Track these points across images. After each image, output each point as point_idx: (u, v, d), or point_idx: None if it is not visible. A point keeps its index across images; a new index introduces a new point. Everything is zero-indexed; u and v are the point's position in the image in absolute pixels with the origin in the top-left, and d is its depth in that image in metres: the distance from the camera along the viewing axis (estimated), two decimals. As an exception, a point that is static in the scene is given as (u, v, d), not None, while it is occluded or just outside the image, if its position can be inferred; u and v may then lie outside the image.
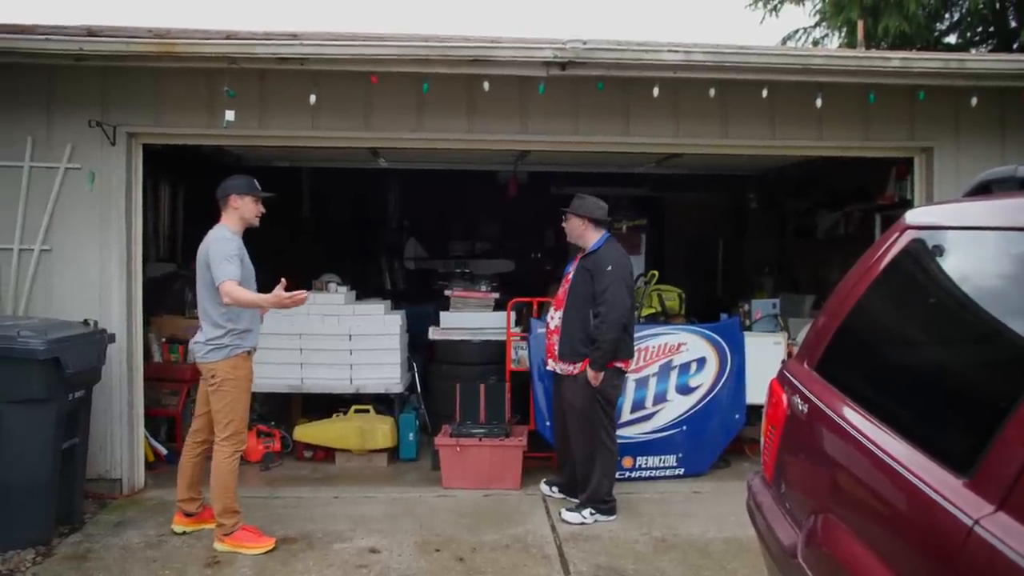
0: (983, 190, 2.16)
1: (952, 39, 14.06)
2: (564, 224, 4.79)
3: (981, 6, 14.88)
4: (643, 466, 5.44)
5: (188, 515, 4.28)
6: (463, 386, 5.33)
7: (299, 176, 8.98)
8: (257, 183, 4.28)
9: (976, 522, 1.41)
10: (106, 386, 4.72)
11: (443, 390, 6.17)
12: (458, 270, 6.43)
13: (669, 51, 4.41)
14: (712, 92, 4.61)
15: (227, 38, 4.40)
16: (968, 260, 2.06)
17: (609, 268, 4.43)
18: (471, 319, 6.16)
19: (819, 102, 4.65)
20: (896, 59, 4.54)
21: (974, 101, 4.74)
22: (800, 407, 2.25)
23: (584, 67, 4.46)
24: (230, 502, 4.06)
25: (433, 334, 6.15)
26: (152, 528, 4.39)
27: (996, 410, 1.53)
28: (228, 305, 3.93)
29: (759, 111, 5.17)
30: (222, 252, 3.97)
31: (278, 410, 6.02)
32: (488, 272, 9.63)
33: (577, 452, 4.64)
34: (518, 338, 5.81)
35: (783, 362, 2.79)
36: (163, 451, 5.44)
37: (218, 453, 4.06)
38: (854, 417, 2.00)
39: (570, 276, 4.76)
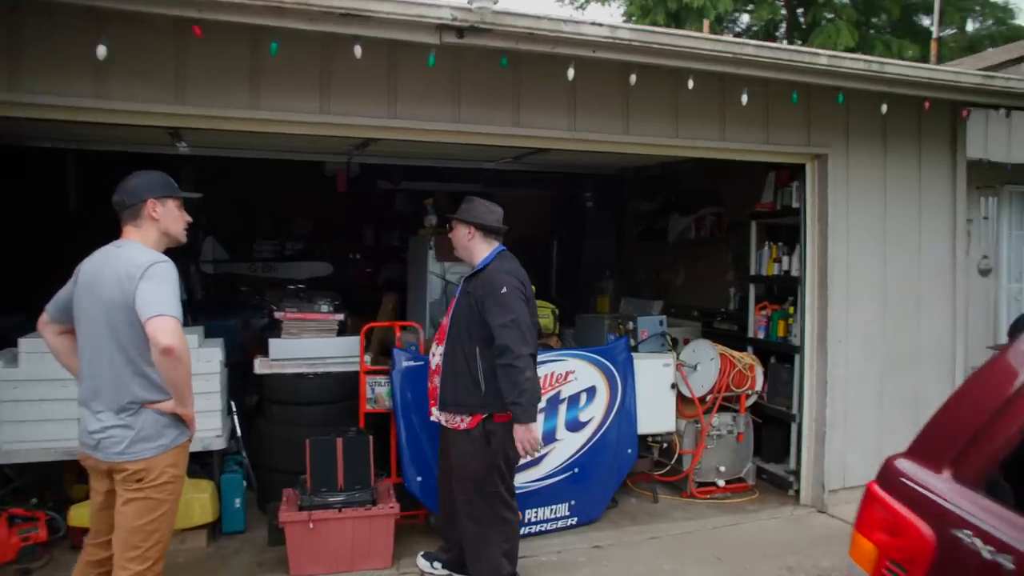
0: None
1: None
2: (449, 234, 3.79)
3: (768, 16, 16.04)
4: (532, 520, 4.60)
5: None
6: (315, 442, 4.13)
7: (64, 160, 7.00)
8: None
9: None
10: None
11: (274, 437, 4.89)
12: (293, 287, 5.13)
13: (592, 25, 3.57)
14: (633, 79, 3.85)
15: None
16: None
17: (504, 291, 3.46)
18: (310, 347, 4.92)
19: (744, 98, 4.09)
20: (824, 56, 4.08)
21: (884, 108, 4.45)
22: (980, 548, 1.53)
23: (487, 36, 3.48)
24: None
25: (260, 367, 4.83)
26: None
27: None
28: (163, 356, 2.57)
29: (664, 106, 4.55)
30: (166, 278, 2.63)
31: (44, 485, 4.38)
32: (302, 276, 8.33)
33: (468, 527, 3.65)
34: (376, 373, 4.71)
35: (889, 463, 2.00)
36: None
37: None
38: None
39: (454, 302, 3.77)
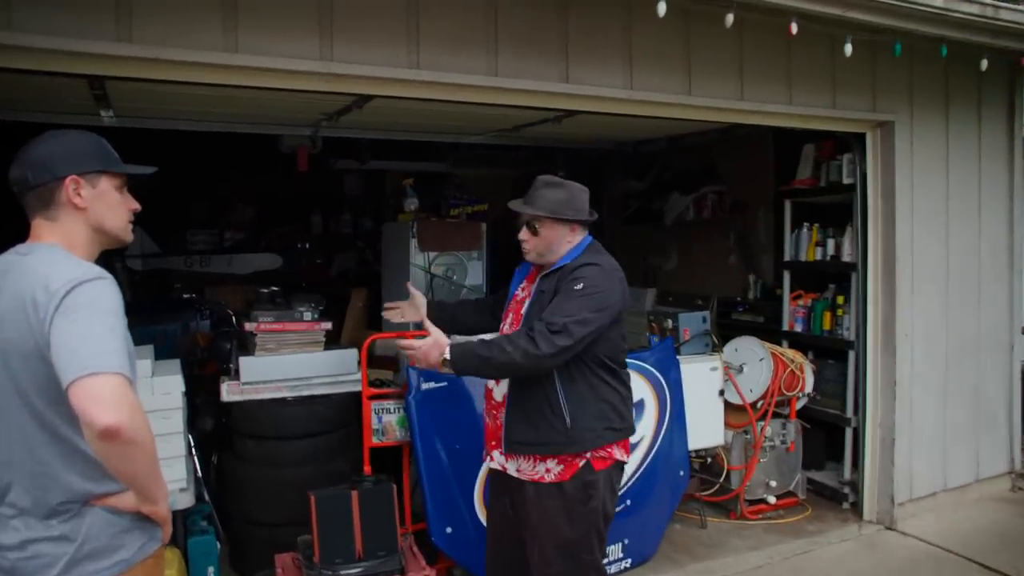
0: None
1: None
2: (529, 236, 2.81)
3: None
4: (582, 566, 3.79)
5: None
6: (323, 498, 3.16)
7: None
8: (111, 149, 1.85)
9: None
10: None
11: (249, 480, 3.88)
12: (266, 290, 4.07)
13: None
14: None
15: None
16: None
17: (580, 286, 2.53)
18: (292, 366, 3.92)
19: (849, 48, 3.34)
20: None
21: (984, 64, 3.80)
22: None
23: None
24: None
25: (230, 394, 3.80)
26: None
27: None
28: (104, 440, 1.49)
29: (728, 62, 3.77)
30: (97, 309, 1.60)
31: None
32: (246, 271, 7.20)
33: None
34: (385, 397, 3.78)
35: None
36: None
37: None
38: None
39: (522, 302, 2.85)
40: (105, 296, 1.62)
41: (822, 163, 4.93)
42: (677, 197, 6.82)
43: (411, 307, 3.08)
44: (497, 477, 2.86)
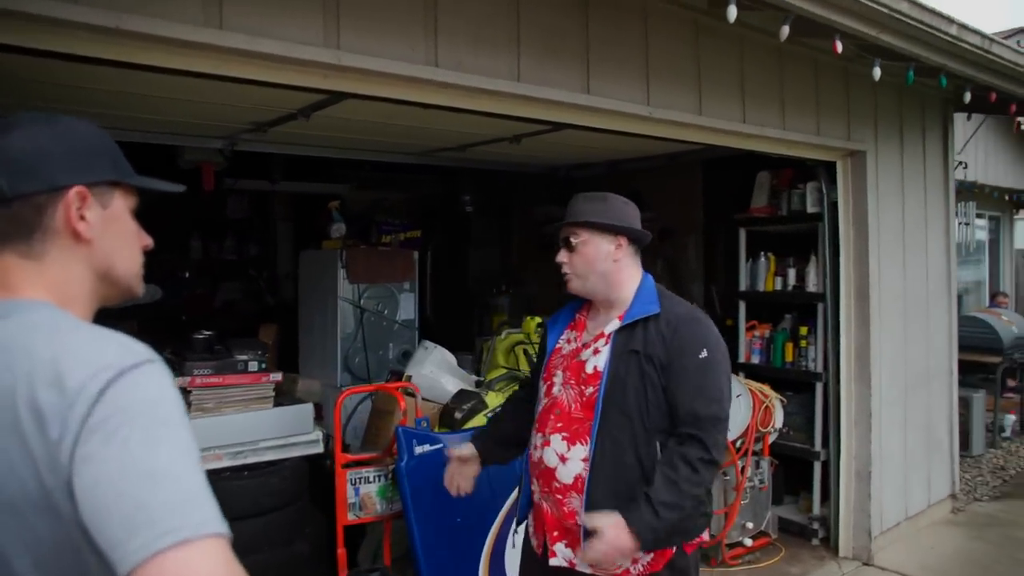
0: None
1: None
2: (567, 256, 2.33)
3: None
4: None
5: None
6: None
7: None
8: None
9: None
10: None
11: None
12: (201, 336, 3.25)
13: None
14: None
15: None
16: None
17: (704, 355, 2.12)
18: (237, 428, 3.18)
19: (877, 72, 3.17)
20: (977, 36, 3.27)
21: (967, 96, 3.82)
22: None
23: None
24: None
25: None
26: None
27: None
28: None
29: (731, 81, 3.53)
30: (166, 420, 0.90)
31: None
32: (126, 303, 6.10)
33: None
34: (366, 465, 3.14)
35: None
36: None
37: None
38: None
39: (573, 355, 2.29)
40: (166, 394, 0.94)
41: (781, 192, 4.84)
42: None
43: (465, 470, 2.50)
44: (545, 568, 2.32)
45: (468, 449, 2.47)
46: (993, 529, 4.91)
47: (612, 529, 1.92)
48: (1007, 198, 9.48)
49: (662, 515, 1.93)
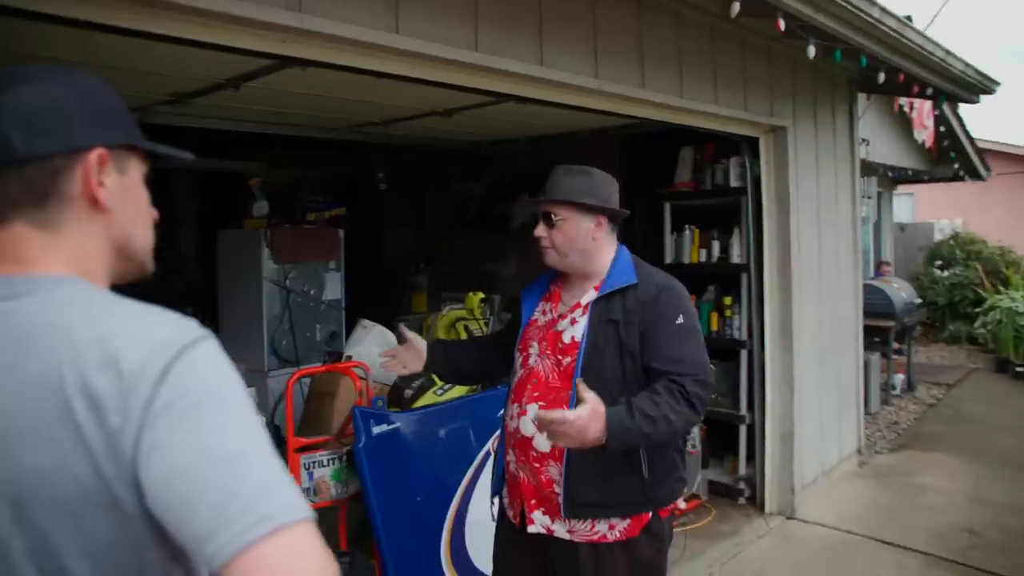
0: None
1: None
2: (546, 231, 2.26)
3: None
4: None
5: None
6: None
7: None
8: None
9: None
10: None
11: None
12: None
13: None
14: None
15: None
16: None
17: (680, 321, 2.16)
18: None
19: (812, 50, 3.30)
20: (877, 7, 3.46)
21: (882, 77, 4.04)
22: None
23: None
24: None
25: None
26: None
27: None
28: None
29: (669, 55, 3.58)
30: (222, 398, 0.83)
31: None
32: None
33: None
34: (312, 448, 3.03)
35: None
36: None
37: None
38: None
39: (550, 327, 2.28)
40: (228, 373, 0.88)
41: (704, 167, 5.00)
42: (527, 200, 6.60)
43: (410, 353, 2.44)
44: (523, 537, 2.33)
45: (421, 343, 2.43)
46: (894, 478, 5.32)
47: (591, 410, 1.86)
48: (888, 175, 10.17)
49: (636, 419, 1.92)
